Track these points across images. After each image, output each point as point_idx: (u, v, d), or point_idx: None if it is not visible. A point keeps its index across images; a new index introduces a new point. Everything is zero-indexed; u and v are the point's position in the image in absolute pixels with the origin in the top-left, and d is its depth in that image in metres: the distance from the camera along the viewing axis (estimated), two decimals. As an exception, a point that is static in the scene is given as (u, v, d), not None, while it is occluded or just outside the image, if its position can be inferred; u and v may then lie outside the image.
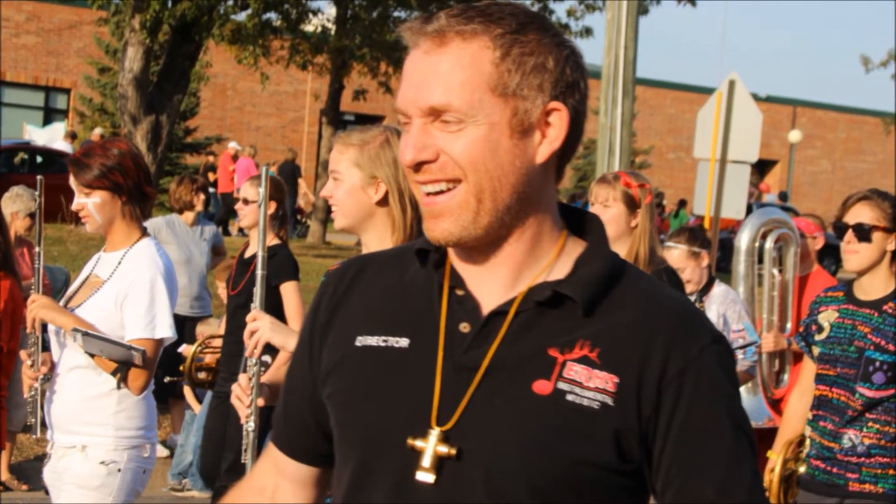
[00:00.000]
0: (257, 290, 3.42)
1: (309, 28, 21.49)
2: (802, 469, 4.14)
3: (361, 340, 1.65)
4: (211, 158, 25.10)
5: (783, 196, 31.96)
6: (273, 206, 5.62)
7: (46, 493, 3.99)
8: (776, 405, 5.84)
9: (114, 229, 3.89)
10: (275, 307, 5.17)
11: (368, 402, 1.62)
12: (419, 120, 1.57)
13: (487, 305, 1.61)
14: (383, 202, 3.13)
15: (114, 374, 3.75)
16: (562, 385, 1.54)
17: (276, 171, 19.82)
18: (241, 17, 19.04)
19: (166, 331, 3.82)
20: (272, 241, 5.61)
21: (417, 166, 1.57)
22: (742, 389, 5.59)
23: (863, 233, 4.00)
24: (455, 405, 1.56)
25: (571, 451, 1.53)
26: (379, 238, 3.14)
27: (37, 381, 3.87)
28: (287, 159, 23.91)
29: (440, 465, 1.55)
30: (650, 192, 4.33)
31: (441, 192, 1.57)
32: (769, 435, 4.77)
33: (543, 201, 1.62)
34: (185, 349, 6.49)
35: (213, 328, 7.18)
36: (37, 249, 4.07)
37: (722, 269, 16.19)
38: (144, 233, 3.93)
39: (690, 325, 1.60)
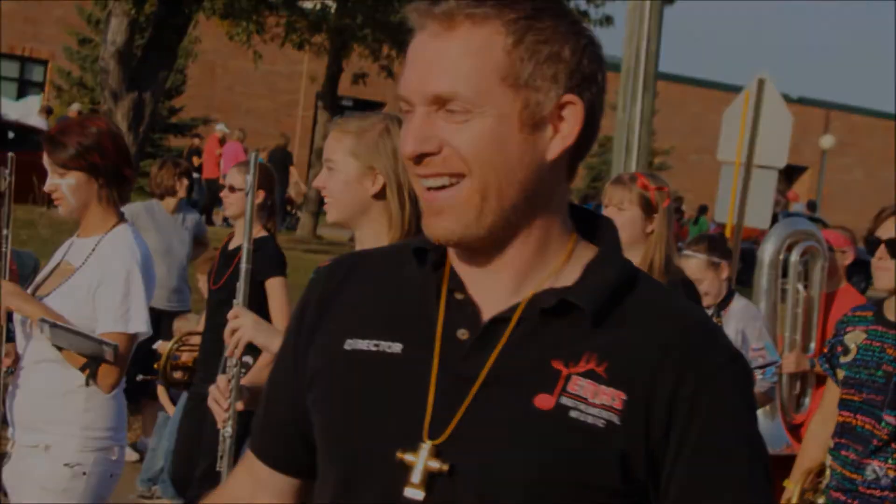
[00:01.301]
0: (241, 286, 3.42)
1: (307, 5, 21.50)
2: (821, 501, 4.14)
3: (351, 344, 1.65)
4: (196, 141, 25.13)
5: (812, 206, 31.98)
6: (261, 196, 5.63)
7: (5, 494, 3.99)
8: (796, 431, 5.84)
9: (88, 213, 3.89)
10: (259, 304, 5.17)
11: (356, 411, 1.62)
12: (422, 108, 1.57)
13: (488, 311, 1.60)
14: (380, 195, 3.12)
15: (82, 369, 3.75)
16: (565, 400, 1.54)
17: (265, 158, 19.82)
18: (235, -10, 19.04)
19: (141, 325, 3.82)
20: (259, 232, 5.61)
21: (418, 158, 1.57)
22: (760, 413, 5.58)
23: (896, 249, 4.00)
24: (449, 417, 1.56)
25: (572, 472, 1.53)
26: (374, 234, 3.14)
27: (-1, 374, 3.87)
28: (278, 145, 23.91)
29: (431, 481, 1.54)
30: (668, 196, 4.33)
31: (443, 187, 1.57)
32: (787, 463, 4.76)
33: (553, 201, 1.62)
34: (161, 346, 6.49)
35: (191, 324, 7.17)
36: (4, 232, 4.07)
37: (743, 282, 16.16)
38: (121, 218, 3.93)
39: (706, 342, 1.60)
